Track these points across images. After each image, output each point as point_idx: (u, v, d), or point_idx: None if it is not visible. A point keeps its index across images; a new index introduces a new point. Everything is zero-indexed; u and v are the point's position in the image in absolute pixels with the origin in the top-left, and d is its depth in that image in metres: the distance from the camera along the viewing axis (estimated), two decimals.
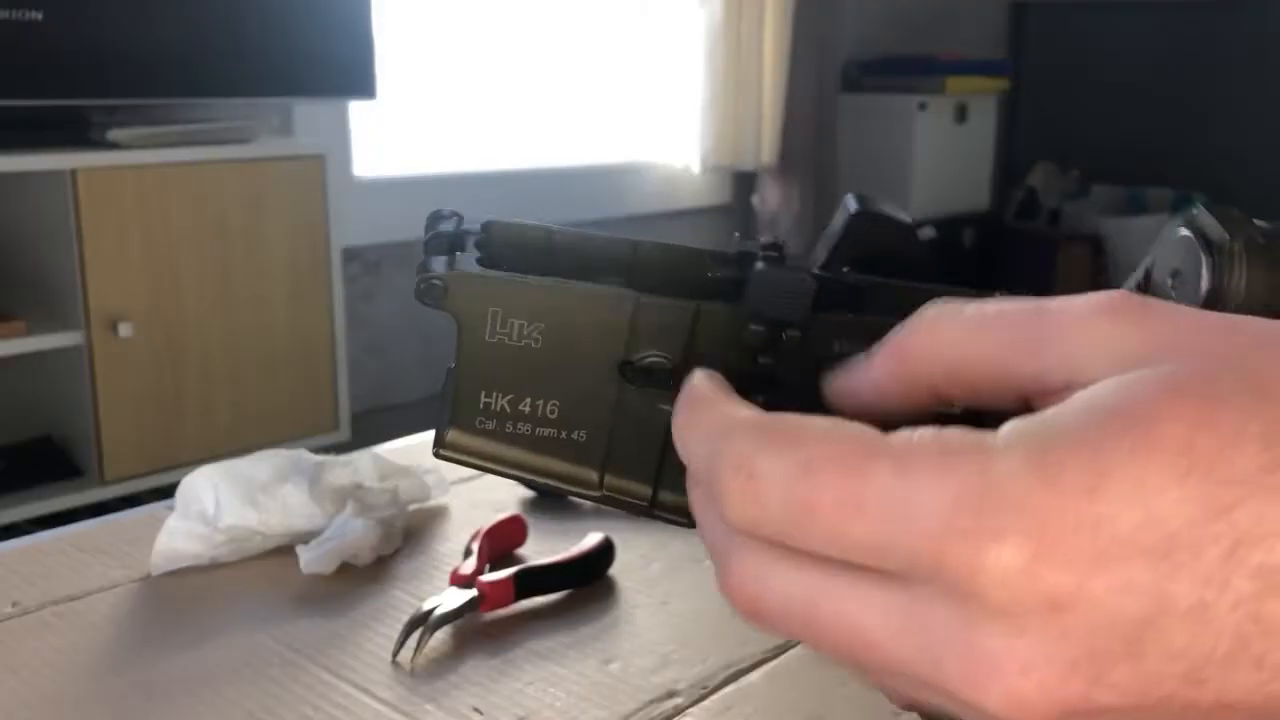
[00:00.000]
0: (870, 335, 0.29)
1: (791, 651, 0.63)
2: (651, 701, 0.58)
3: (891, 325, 0.28)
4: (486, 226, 0.33)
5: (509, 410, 0.33)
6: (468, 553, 0.70)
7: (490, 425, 0.33)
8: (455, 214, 0.33)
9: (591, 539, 0.72)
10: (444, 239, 0.33)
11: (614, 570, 0.72)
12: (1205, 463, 0.21)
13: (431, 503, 0.82)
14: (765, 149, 3.34)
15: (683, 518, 0.33)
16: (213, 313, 2.06)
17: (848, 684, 0.60)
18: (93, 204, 1.88)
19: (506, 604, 0.66)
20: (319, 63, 2.17)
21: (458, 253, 0.32)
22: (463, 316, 0.32)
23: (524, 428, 0.33)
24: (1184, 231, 0.31)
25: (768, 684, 0.60)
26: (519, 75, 2.93)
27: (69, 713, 0.56)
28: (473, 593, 0.64)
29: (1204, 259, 0.30)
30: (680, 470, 0.31)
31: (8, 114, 1.87)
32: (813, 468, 0.23)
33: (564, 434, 0.33)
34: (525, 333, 0.32)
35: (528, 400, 0.33)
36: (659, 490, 0.34)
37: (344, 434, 2.25)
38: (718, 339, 0.32)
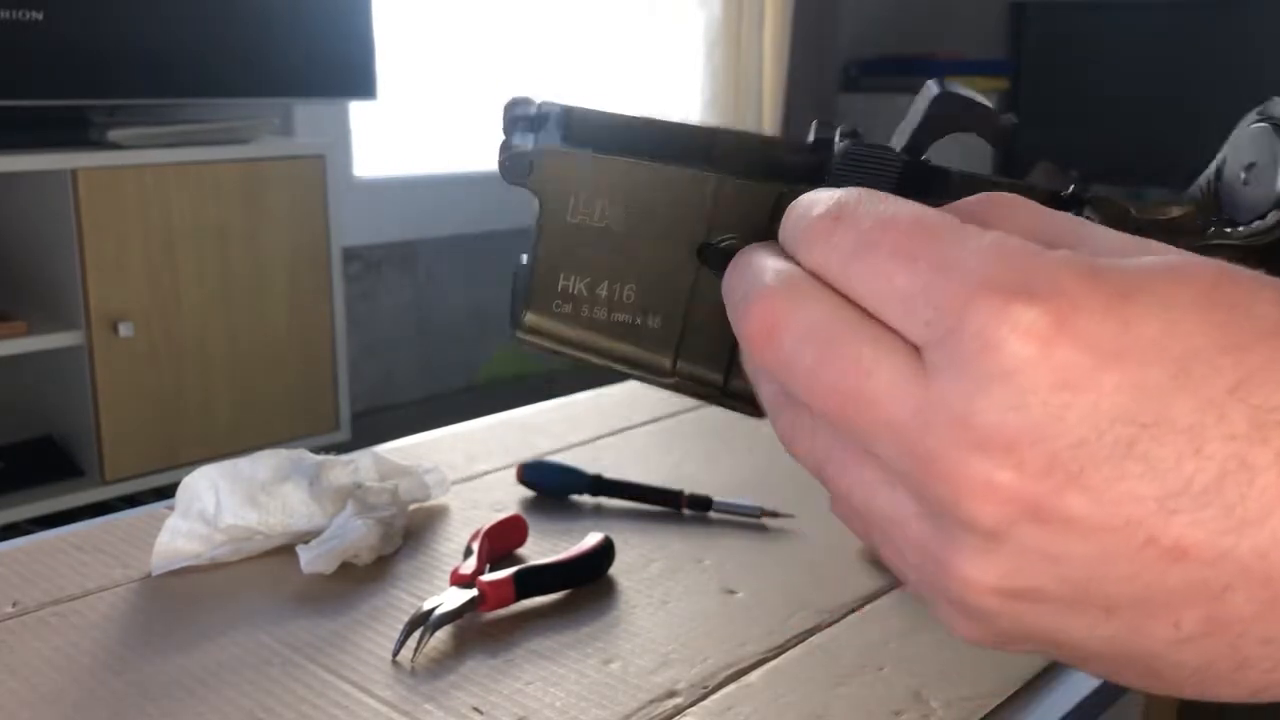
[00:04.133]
0: None
1: (792, 651, 0.63)
2: (651, 701, 0.58)
3: None
4: (566, 110, 0.33)
5: (586, 294, 0.33)
6: (468, 553, 0.70)
7: (567, 309, 0.33)
8: (530, 99, 0.33)
9: (591, 539, 0.72)
10: (523, 119, 0.32)
11: (614, 570, 0.72)
12: (1227, 303, 0.22)
13: (431, 503, 0.82)
14: None
15: (753, 406, 0.34)
16: (213, 313, 2.05)
17: (848, 683, 0.60)
18: (93, 204, 1.88)
19: (506, 604, 0.66)
20: (319, 63, 2.17)
21: (540, 132, 0.32)
22: (546, 195, 0.32)
23: (600, 312, 0.33)
24: (1261, 124, 0.30)
25: (768, 684, 0.60)
26: (519, 75, 2.93)
27: (69, 713, 0.56)
28: (473, 593, 0.65)
29: None
30: None
31: (8, 114, 1.87)
32: (890, 221, 0.25)
33: (639, 319, 0.33)
34: (607, 213, 0.32)
35: (605, 284, 0.33)
36: (730, 377, 0.34)
37: (344, 434, 2.25)
38: None
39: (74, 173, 1.85)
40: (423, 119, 2.76)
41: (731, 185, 0.31)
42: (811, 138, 0.32)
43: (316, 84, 2.20)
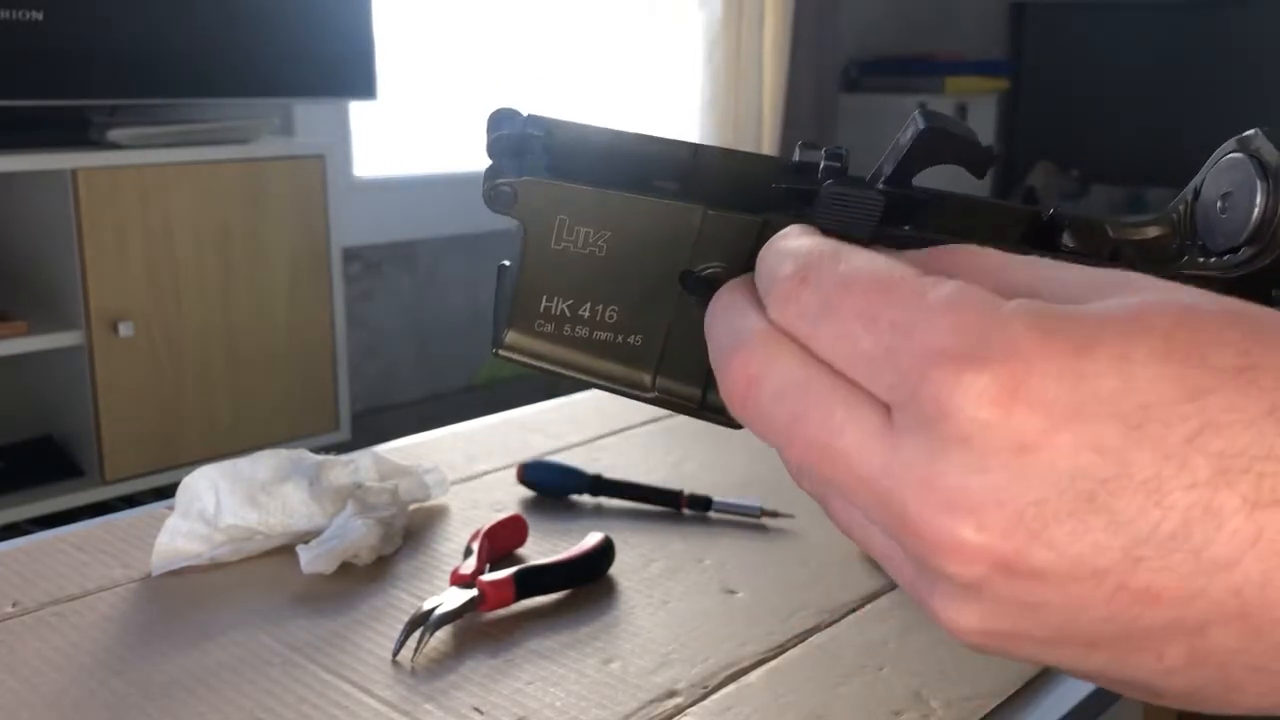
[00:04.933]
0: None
1: (792, 651, 0.63)
2: (651, 701, 0.58)
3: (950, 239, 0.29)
4: (549, 130, 0.33)
5: (568, 314, 0.33)
6: (468, 553, 0.70)
7: (549, 328, 0.33)
8: (515, 113, 0.33)
9: (591, 539, 0.72)
10: (507, 142, 0.32)
11: (614, 570, 0.72)
12: (1184, 350, 0.22)
13: (431, 503, 0.82)
14: (765, 149, 3.34)
15: (729, 418, 0.34)
16: (213, 313, 2.05)
17: (848, 683, 0.60)
18: (93, 204, 1.88)
19: (506, 604, 0.66)
20: (319, 63, 2.17)
21: (525, 157, 0.32)
22: (530, 222, 0.32)
23: (581, 331, 0.33)
24: (1238, 154, 0.30)
25: (768, 684, 0.60)
26: (519, 75, 2.93)
27: (69, 713, 0.56)
28: (473, 593, 0.65)
29: (1258, 183, 0.29)
30: None
31: (8, 114, 1.86)
32: (852, 281, 0.25)
33: (620, 338, 0.33)
34: (591, 240, 0.32)
35: (588, 305, 0.33)
36: (708, 392, 0.34)
37: (344, 434, 2.25)
38: None
39: (74, 173, 1.85)
40: (423, 119, 2.76)
41: (716, 217, 0.32)
42: (796, 157, 0.33)
43: (316, 84, 2.20)
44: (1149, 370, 0.22)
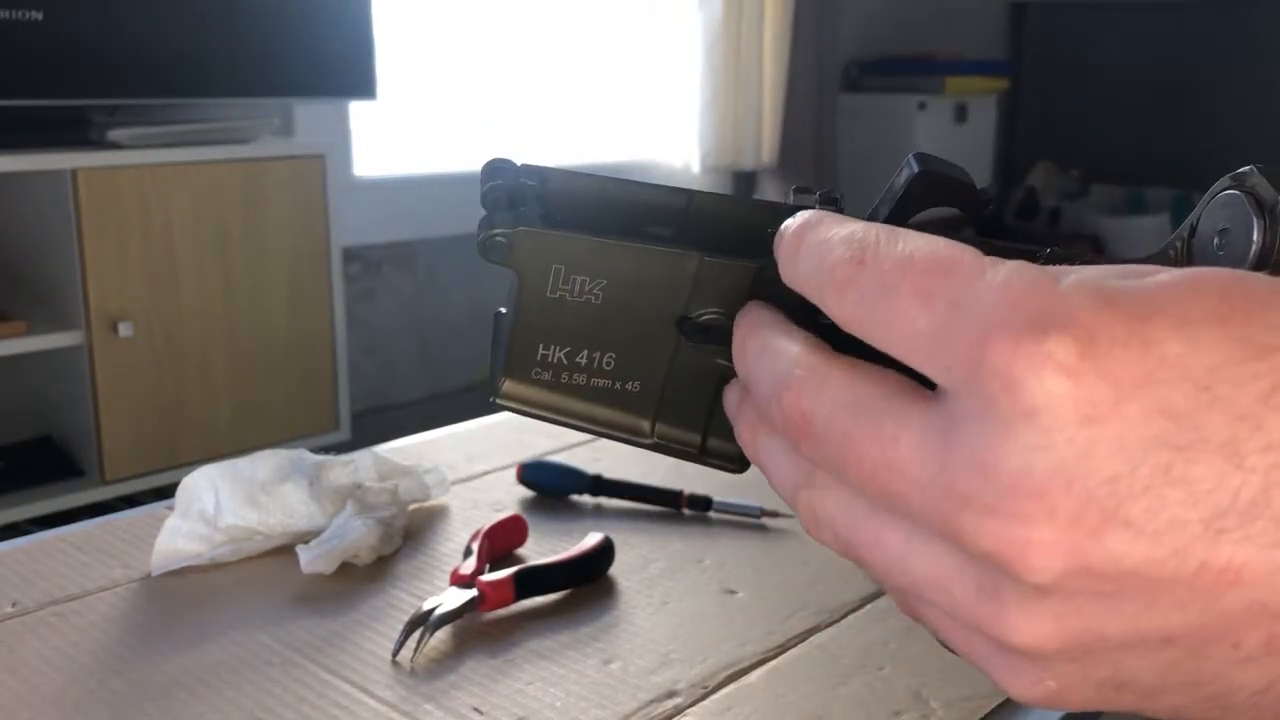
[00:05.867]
0: None
1: (792, 651, 0.63)
2: (651, 701, 0.58)
3: None
4: (543, 179, 0.32)
5: (565, 362, 0.33)
6: (468, 553, 0.70)
7: (546, 376, 0.33)
8: (509, 163, 0.33)
9: (591, 539, 0.72)
10: (501, 192, 0.32)
11: (614, 570, 0.72)
12: (1243, 312, 0.21)
13: (431, 503, 0.82)
14: (765, 149, 3.34)
15: (730, 463, 0.34)
16: (213, 313, 2.05)
17: (848, 683, 0.60)
18: (93, 204, 1.88)
19: (506, 604, 0.66)
20: (319, 63, 2.17)
21: (519, 207, 0.32)
22: (525, 272, 0.32)
23: (579, 378, 0.33)
24: (1234, 191, 0.30)
25: (768, 684, 0.60)
26: (519, 75, 2.93)
27: (69, 713, 0.56)
28: (473, 593, 0.65)
29: (1254, 220, 0.29)
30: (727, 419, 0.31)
31: (8, 114, 1.86)
32: (911, 261, 0.24)
33: (618, 384, 0.33)
34: (587, 289, 0.32)
35: (585, 353, 0.33)
36: (708, 437, 0.34)
37: (344, 434, 2.25)
38: (778, 297, 0.31)
39: (74, 173, 1.85)
40: (423, 119, 2.76)
41: (712, 264, 0.32)
42: (790, 201, 0.33)
43: (316, 84, 2.20)
44: (1210, 332, 0.21)
